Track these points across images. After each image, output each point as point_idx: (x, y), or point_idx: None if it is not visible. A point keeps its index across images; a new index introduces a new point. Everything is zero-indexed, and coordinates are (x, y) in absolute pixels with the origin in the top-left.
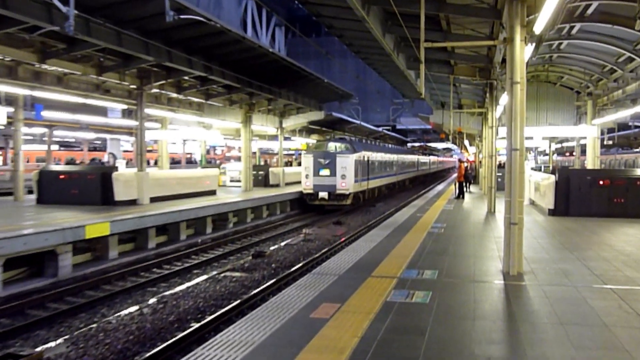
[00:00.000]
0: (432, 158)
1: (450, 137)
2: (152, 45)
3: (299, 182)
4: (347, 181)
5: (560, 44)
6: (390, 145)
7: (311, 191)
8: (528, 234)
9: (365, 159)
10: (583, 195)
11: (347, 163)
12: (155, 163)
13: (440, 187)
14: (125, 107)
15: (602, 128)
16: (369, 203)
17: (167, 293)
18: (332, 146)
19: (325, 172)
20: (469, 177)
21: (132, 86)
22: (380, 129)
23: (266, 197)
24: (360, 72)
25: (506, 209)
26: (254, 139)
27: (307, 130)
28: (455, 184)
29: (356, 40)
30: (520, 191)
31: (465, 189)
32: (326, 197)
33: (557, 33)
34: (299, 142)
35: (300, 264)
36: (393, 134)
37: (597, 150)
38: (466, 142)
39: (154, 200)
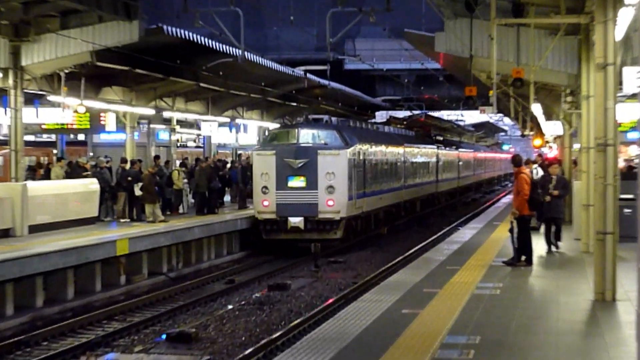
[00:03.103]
0: (463, 153)
1: (494, 96)
2: None
3: (73, 226)
4: (336, 197)
5: None
6: (391, 129)
7: (273, 216)
8: None
9: (361, 157)
10: None
11: (336, 165)
12: None
13: (467, 232)
14: None
15: None
16: (281, 276)
17: None
18: (306, 135)
19: (298, 181)
20: (556, 209)
21: None
22: (299, 71)
23: None
24: None
25: None
26: None
27: (92, 78)
28: (511, 224)
29: None
30: None
31: (547, 236)
32: (301, 225)
33: None
34: (69, 108)
35: None
36: (337, 85)
37: None
38: (535, 109)
39: None
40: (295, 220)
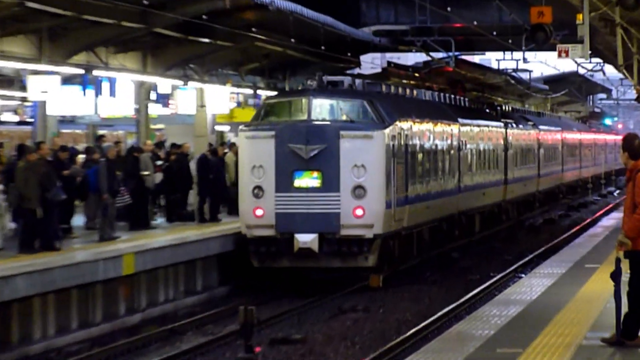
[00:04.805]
0: (545, 134)
1: (585, 25)
2: None
3: None
4: (368, 203)
5: None
6: (434, 95)
7: (271, 232)
8: None
9: (403, 141)
10: None
11: (368, 154)
12: None
13: (535, 282)
14: None
15: None
16: None
17: None
18: (321, 107)
19: (310, 179)
20: None
21: None
22: None
23: None
24: None
25: None
26: None
27: None
28: (617, 265)
29: None
30: None
31: None
32: (314, 246)
33: None
34: None
35: None
36: (289, 5)
37: None
38: None
39: None
40: (306, 239)
